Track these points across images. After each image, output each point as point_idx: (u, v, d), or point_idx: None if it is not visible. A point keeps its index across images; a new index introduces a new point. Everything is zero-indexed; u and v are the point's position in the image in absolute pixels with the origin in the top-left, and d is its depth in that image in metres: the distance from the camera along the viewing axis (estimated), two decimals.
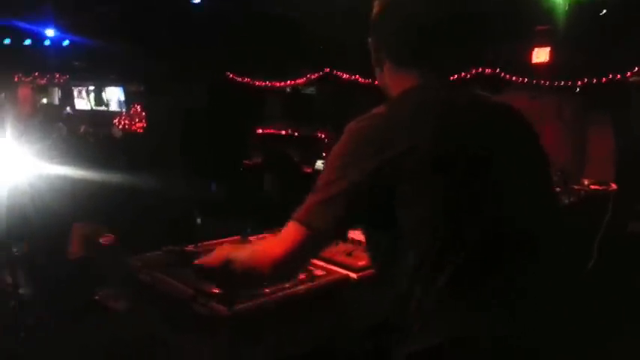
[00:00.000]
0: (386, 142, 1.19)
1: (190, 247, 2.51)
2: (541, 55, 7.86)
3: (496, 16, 7.17)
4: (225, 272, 1.40)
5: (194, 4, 7.82)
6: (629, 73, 6.84)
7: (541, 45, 7.79)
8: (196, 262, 1.54)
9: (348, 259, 2.41)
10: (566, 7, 6.64)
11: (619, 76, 6.97)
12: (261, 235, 2.85)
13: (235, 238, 2.82)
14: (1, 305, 3.85)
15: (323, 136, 10.13)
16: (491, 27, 7.32)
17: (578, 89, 7.68)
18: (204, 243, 2.61)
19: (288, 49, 9.28)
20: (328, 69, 9.58)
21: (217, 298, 1.96)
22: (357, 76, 9.63)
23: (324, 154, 9.87)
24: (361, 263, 2.38)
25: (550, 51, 7.70)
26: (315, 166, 9.75)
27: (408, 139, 1.19)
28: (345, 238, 1.32)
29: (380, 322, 1.52)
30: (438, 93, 1.32)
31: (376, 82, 1.48)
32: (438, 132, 1.22)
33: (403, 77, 1.37)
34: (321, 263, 2.42)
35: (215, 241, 2.82)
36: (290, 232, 1.25)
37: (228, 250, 1.47)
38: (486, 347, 1.18)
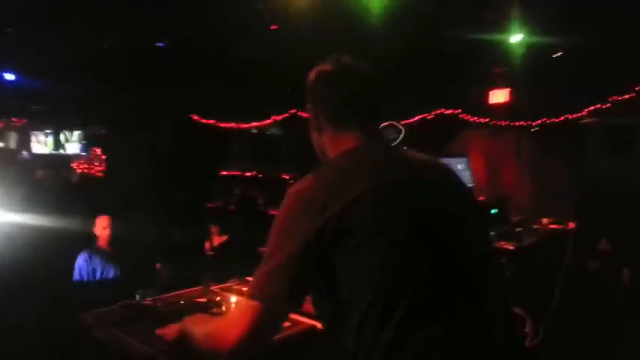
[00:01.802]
0: (325, 202, 1.20)
1: (147, 301, 2.40)
2: (499, 96, 8.14)
3: (455, 60, 7.43)
4: (181, 347, 1.42)
5: (157, 46, 7.81)
6: (584, 112, 7.15)
7: (499, 86, 8.08)
8: (158, 331, 1.62)
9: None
10: (522, 51, 6.91)
11: (573, 116, 7.27)
12: (226, 285, 2.77)
13: (197, 288, 2.73)
14: None
15: (288, 177, 10.13)
16: (449, 70, 7.59)
17: (535, 129, 7.96)
18: (163, 296, 2.51)
19: (253, 91, 9.34)
20: (294, 110, 9.66)
21: (177, 357, 1.85)
22: None
23: None
24: None
25: (508, 92, 7.99)
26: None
27: (350, 195, 1.20)
28: (301, 307, 1.29)
29: None
30: (377, 151, 1.37)
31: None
32: (379, 187, 1.23)
33: (343, 139, 1.40)
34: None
35: (174, 293, 2.72)
36: (245, 310, 1.23)
37: (186, 325, 1.48)
38: None
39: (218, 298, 2.49)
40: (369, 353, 1.18)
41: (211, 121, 10.58)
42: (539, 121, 7.82)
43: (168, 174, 9.61)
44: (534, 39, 6.70)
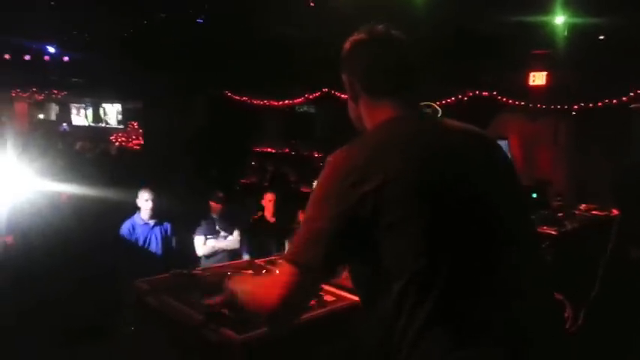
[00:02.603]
0: (366, 173, 1.21)
1: (197, 270, 2.48)
2: (538, 78, 7.95)
3: (493, 41, 7.27)
4: (231, 304, 1.52)
5: (196, 23, 7.86)
6: (625, 98, 6.92)
7: (538, 69, 7.88)
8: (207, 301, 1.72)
9: None
10: (565, 32, 6.71)
11: (615, 100, 7.06)
12: (269, 258, 2.83)
13: (242, 261, 2.80)
14: None
15: (321, 155, 10.15)
16: (486, 51, 7.42)
17: (574, 113, 7.76)
18: (211, 266, 2.58)
19: (286, 69, 9.32)
20: (327, 89, 9.62)
21: (228, 324, 1.92)
22: None
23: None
24: None
25: (547, 75, 7.79)
26: (313, 185, 9.71)
27: (388, 171, 1.21)
28: (337, 274, 1.36)
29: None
30: (414, 123, 1.36)
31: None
32: (418, 162, 1.24)
33: (379, 109, 1.40)
34: (331, 289, 2.39)
35: (221, 264, 2.80)
36: (283, 274, 1.26)
37: (232, 285, 1.55)
38: None
39: (264, 271, 2.56)
40: (409, 322, 1.20)
41: (245, 98, 10.65)
42: (579, 105, 7.62)
43: (202, 149, 9.75)
44: (577, 20, 6.51)
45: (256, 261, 2.78)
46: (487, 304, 1.22)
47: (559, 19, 6.55)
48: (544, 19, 6.60)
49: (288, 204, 8.19)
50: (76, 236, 4.94)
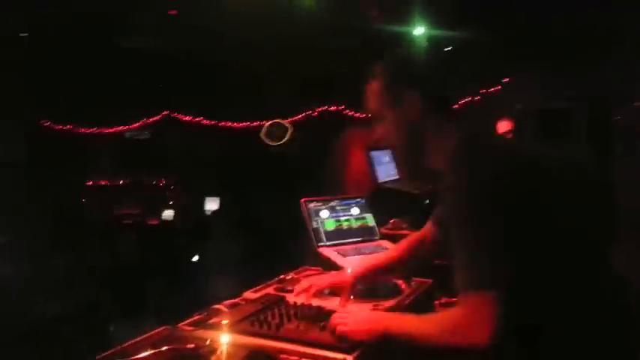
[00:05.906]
0: (505, 191, 1.32)
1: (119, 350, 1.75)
2: None
3: (345, 55, 7.37)
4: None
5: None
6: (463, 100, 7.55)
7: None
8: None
9: (326, 334, 1.86)
10: (411, 44, 7.06)
11: (457, 105, 7.63)
12: (192, 319, 2.15)
13: (162, 329, 2.08)
14: None
15: (167, 183, 9.31)
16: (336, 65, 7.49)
17: None
18: (126, 346, 1.86)
19: (119, 90, 8.40)
20: (167, 111, 8.92)
21: None
22: (202, 117, 9.10)
23: (170, 203, 9.00)
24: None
25: None
26: (162, 216, 8.77)
27: (525, 189, 1.34)
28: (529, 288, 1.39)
29: None
30: (497, 141, 1.72)
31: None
32: (543, 181, 1.42)
33: (445, 128, 1.57)
34: (300, 348, 1.83)
35: (134, 341, 2.03)
36: (479, 305, 1.24)
37: (384, 321, 1.53)
38: None
39: (208, 341, 1.91)
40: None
41: (69, 127, 9.33)
42: None
43: (22, 190, 8.21)
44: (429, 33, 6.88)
45: (179, 326, 2.10)
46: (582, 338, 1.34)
47: (419, 31, 6.87)
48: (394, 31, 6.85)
49: (139, 241, 7.32)
50: None
